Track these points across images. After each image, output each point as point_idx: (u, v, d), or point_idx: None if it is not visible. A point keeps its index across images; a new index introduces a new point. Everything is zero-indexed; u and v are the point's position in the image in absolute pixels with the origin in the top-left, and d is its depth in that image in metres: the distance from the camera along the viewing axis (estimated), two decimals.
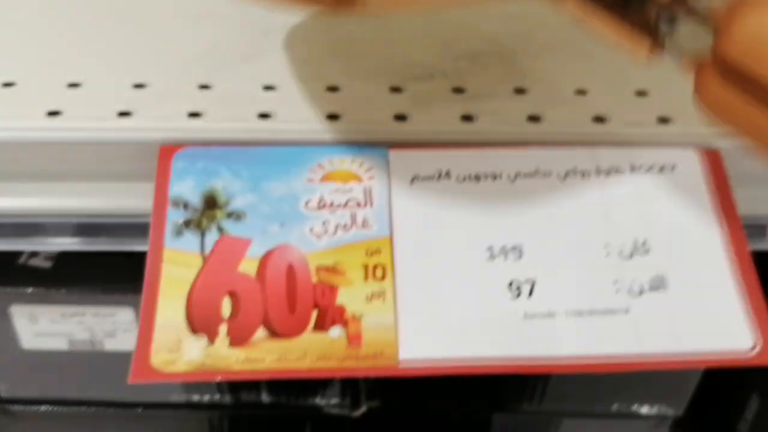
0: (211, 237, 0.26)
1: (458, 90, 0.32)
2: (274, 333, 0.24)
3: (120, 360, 0.34)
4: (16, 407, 0.36)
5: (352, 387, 0.36)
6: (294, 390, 0.36)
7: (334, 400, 0.36)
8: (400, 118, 0.29)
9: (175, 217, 0.26)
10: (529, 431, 0.39)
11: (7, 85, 0.30)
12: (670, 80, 0.32)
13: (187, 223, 0.26)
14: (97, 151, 0.28)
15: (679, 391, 0.37)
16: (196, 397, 0.36)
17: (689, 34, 0.24)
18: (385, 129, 0.29)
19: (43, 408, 0.36)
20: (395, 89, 0.31)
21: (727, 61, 0.22)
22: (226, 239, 0.26)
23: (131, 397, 0.36)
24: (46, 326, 0.33)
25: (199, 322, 0.24)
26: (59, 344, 0.33)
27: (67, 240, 0.29)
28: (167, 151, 0.27)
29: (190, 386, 0.35)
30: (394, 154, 0.28)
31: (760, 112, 0.22)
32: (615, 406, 0.38)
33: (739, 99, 0.22)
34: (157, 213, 0.26)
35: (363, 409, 0.36)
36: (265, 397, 0.36)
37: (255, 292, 0.25)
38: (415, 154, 0.28)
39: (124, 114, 0.28)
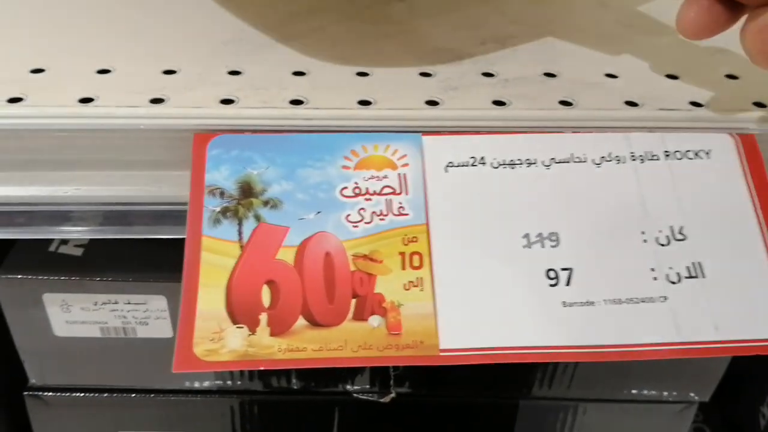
0: (249, 225, 0.26)
1: (488, 74, 0.31)
2: (314, 322, 0.24)
3: (153, 347, 0.35)
4: (48, 394, 0.36)
5: (380, 373, 0.37)
6: (323, 376, 0.37)
7: (363, 386, 0.37)
8: (432, 103, 0.29)
9: (212, 205, 0.26)
10: (555, 417, 0.39)
11: (37, 71, 0.30)
12: (699, 64, 0.32)
13: (224, 212, 0.26)
14: (130, 138, 0.28)
15: (706, 378, 0.37)
16: (227, 383, 0.36)
17: None
18: (417, 115, 0.29)
19: (74, 395, 0.36)
20: (425, 74, 0.31)
21: None
22: (263, 227, 0.26)
23: (162, 383, 0.36)
24: (78, 314, 0.33)
25: (240, 311, 0.24)
26: (91, 332, 0.33)
27: (98, 228, 0.29)
28: (202, 138, 0.27)
29: (221, 372, 0.35)
30: (428, 141, 0.28)
31: None
32: (641, 392, 0.38)
33: None
34: (194, 201, 0.26)
35: (392, 395, 0.37)
36: (294, 383, 0.37)
37: (293, 281, 0.25)
38: (448, 140, 0.28)
39: (156, 101, 0.28)
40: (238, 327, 0.24)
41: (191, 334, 0.24)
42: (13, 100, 0.28)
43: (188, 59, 0.31)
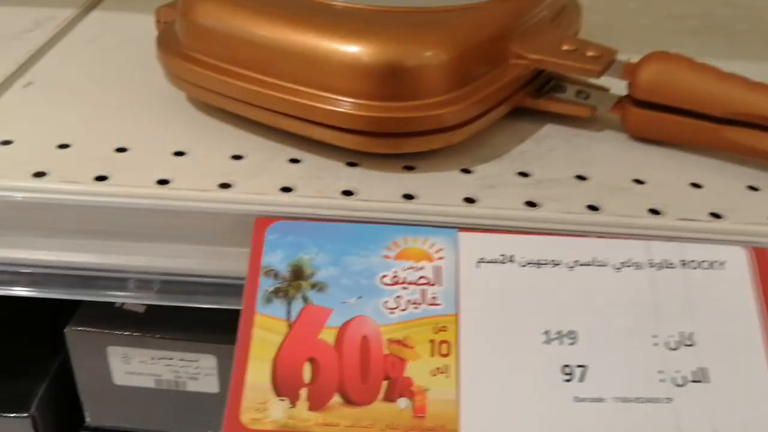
0: (297, 305, 0.29)
1: (524, 174, 0.34)
2: (348, 400, 0.27)
3: (201, 400, 0.38)
4: None
5: None
6: None
7: None
8: (469, 200, 0.32)
9: (266, 285, 0.29)
10: None
11: (121, 150, 0.34)
12: (723, 174, 0.35)
13: (276, 292, 0.29)
14: (199, 218, 0.31)
15: None
16: None
17: (604, 96, 0.38)
18: (454, 211, 0.32)
19: None
20: (465, 170, 0.34)
21: (638, 96, 0.35)
22: (309, 309, 0.29)
23: None
24: (136, 366, 0.36)
25: (283, 385, 0.27)
26: (146, 383, 0.37)
27: (160, 294, 0.33)
28: (262, 223, 0.31)
29: None
30: (463, 237, 0.31)
31: (671, 123, 0.35)
32: None
33: (654, 118, 0.35)
34: (251, 280, 0.29)
35: None
36: None
37: (333, 360, 0.28)
38: (482, 238, 0.31)
39: (224, 185, 0.32)
40: (280, 399, 0.27)
41: (239, 402, 0.27)
42: (100, 178, 0.32)
43: (254, 146, 0.34)
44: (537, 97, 0.38)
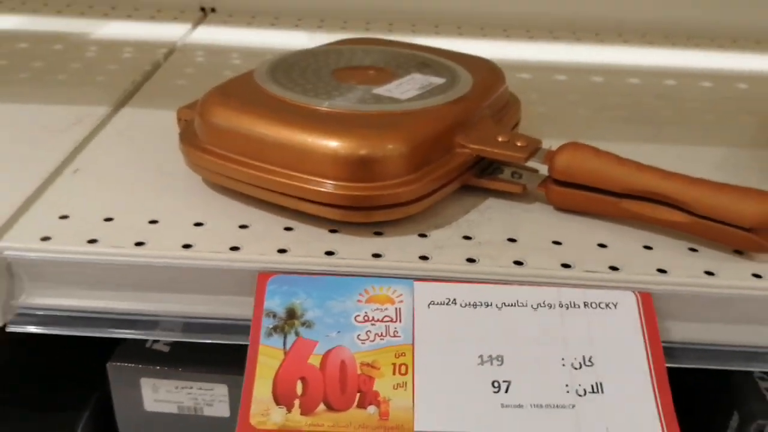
0: (291, 338, 0.38)
1: (467, 237, 0.44)
2: (330, 407, 0.36)
3: (214, 423, 0.46)
4: None
5: None
6: None
7: None
8: (424, 257, 0.42)
9: (267, 323, 0.39)
10: None
11: (153, 222, 0.43)
12: (625, 236, 0.44)
13: (275, 328, 0.38)
14: (214, 274, 0.41)
15: None
16: None
17: (534, 176, 0.48)
18: (412, 266, 0.41)
19: None
20: (422, 235, 0.44)
21: (556, 177, 0.45)
22: (300, 341, 0.38)
23: None
24: (163, 394, 0.45)
25: (281, 397, 0.36)
26: (171, 408, 0.46)
27: (183, 333, 0.42)
28: (263, 277, 0.40)
29: None
30: (417, 285, 0.40)
31: (583, 197, 0.45)
32: None
33: (569, 194, 0.45)
34: (256, 320, 0.39)
35: None
36: None
37: (318, 378, 0.37)
38: (432, 286, 0.40)
39: (234, 248, 0.41)
40: (279, 407, 0.36)
41: (249, 410, 0.36)
42: (138, 244, 0.41)
43: (257, 218, 0.44)
44: (480, 176, 0.48)
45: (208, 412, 0.46)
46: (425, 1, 0.82)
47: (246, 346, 0.39)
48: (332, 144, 0.42)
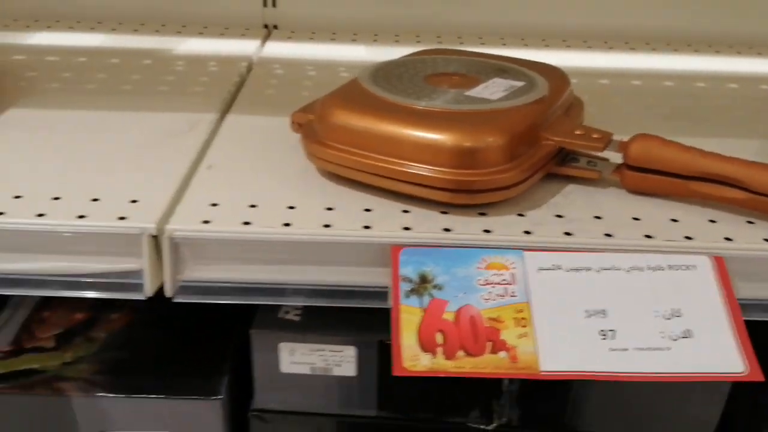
0: (426, 299, 0.45)
1: (559, 216, 0.51)
2: (468, 353, 0.43)
3: (343, 382, 0.53)
4: (268, 415, 0.54)
5: (485, 407, 0.55)
6: (442, 408, 0.55)
7: (473, 416, 0.54)
8: (527, 232, 0.49)
9: (404, 287, 0.45)
10: None
11: (291, 207, 0.50)
12: (693, 212, 0.52)
13: (411, 291, 0.45)
14: (354, 249, 0.47)
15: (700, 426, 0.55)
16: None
17: (606, 164, 0.55)
18: (520, 239, 0.48)
19: (287, 416, 0.54)
20: (520, 214, 0.51)
21: (631, 163, 0.52)
22: (435, 301, 0.45)
23: (342, 410, 0.54)
24: (298, 357, 0.51)
25: (426, 345, 0.43)
26: (304, 370, 0.52)
27: (324, 299, 0.48)
28: (396, 249, 0.47)
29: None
30: (527, 255, 0.47)
31: (654, 180, 0.52)
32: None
33: (642, 178, 0.53)
34: (395, 285, 0.45)
35: (494, 424, 0.54)
36: (422, 414, 0.55)
37: (454, 331, 0.44)
38: (539, 255, 0.47)
39: (366, 227, 0.48)
40: (425, 353, 0.43)
41: (401, 356, 0.43)
42: (285, 225, 0.48)
43: (376, 203, 0.51)
44: (561, 165, 0.55)
45: (337, 372, 0.52)
46: (489, 15, 0.90)
47: (377, 309, 0.46)
48: (443, 137, 0.50)
